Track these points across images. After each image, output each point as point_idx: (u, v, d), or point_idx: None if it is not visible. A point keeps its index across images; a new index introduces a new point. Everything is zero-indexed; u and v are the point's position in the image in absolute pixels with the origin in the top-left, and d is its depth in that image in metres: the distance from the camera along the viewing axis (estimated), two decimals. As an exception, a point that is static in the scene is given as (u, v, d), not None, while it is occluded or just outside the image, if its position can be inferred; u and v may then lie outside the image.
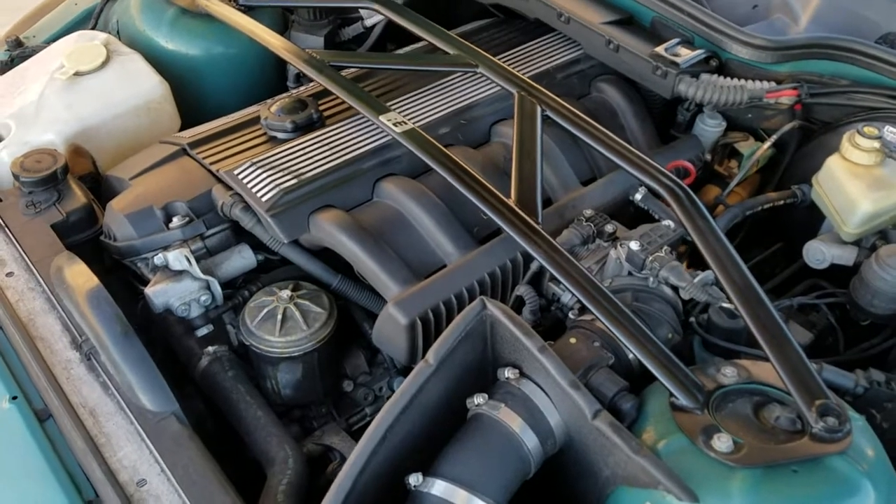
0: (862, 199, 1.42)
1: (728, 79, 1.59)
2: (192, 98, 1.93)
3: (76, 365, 1.32)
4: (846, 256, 1.46)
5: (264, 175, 1.47)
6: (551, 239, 1.30)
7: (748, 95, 1.56)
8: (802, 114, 1.64)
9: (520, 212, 1.34)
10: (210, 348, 1.42)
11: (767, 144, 1.59)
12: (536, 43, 1.82)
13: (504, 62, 1.69)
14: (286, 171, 1.48)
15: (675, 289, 1.33)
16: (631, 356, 1.24)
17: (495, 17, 2.00)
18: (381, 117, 1.50)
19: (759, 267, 1.65)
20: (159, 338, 1.49)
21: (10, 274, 1.47)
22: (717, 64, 1.67)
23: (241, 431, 1.36)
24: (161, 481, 1.17)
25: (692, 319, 1.36)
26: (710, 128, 1.66)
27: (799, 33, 1.71)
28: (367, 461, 1.12)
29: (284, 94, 1.68)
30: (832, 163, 1.48)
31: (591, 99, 1.74)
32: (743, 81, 1.58)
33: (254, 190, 1.44)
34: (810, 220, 1.59)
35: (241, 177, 1.47)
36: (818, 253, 1.47)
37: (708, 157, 1.68)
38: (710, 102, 1.58)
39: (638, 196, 1.47)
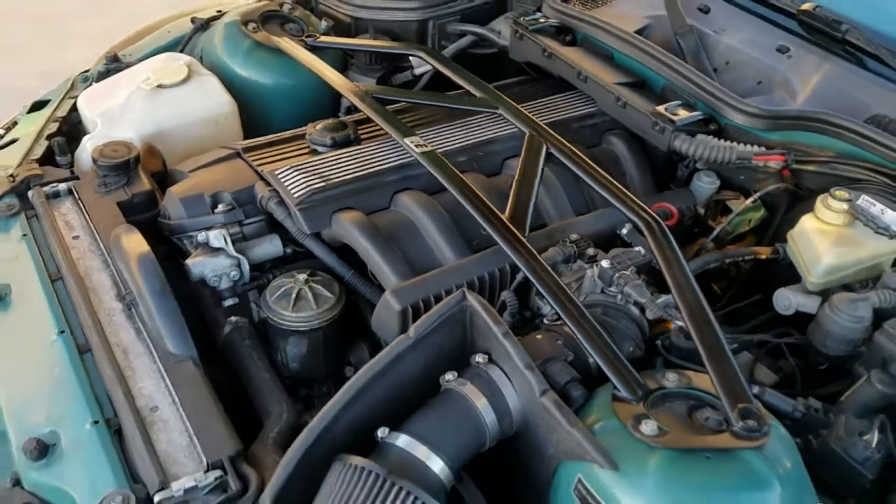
0: (826, 253, 1.56)
1: (720, 140, 1.77)
2: (257, 119, 2.19)
3: (118, 313, 1.55)
4: (810, 305, 1.59)
5: (299, 177, 1.71)
6: (533, 250, 1.48)
7: (736, 155, 1.73)
8: (791, 179, 1.79)
9: (510, 226, 1.53)
10: (233, 318, 1.63)
11: (750, 200, 1.75)
12: (558, 97, 2.04)
13: (526, 110, 1.91)
14: (318, 176, 1.71)
15: (643, 310, 1.49)
16: (591, 360, 1.39)
17: (531, 75, 2.24)
18: (405, 139, 1.73)
19: (741, 313, 1.78)
20: (192, 311, 1.71)
21: (76, 237, 1.72)
22: (716, 128, 1.85)
23: (249, 391, 1.55)
24: (171, 410, 1.37)
25: (657, 342, 1.51)
26: (704, 184, 1.83)
27: (794, 107, 1.87)
28: (342, 410, 1.29)
29: (332, 119, 1.93)
30: (805, 220, 1.63)
31: (600, 148, 1.94)
32: (733, 143, 1.76)
33: (288, 188, 1.68)
34: (791, 275, 1.72)
35: (280, 177, 1.71)
36: (785, 300, 1.60)
37: (701, 210, 1.84)
38: (701, 158, 1.75)
39: (624, 231, 1.64)
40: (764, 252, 1.76)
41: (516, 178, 1.65)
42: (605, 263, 1.49)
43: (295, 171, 1.73)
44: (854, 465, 1.30)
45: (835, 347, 1.49)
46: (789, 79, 1.91)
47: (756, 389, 1.40)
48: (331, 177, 1.71)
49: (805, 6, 1.96)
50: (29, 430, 1.35)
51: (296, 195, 1.66)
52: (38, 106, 2.27)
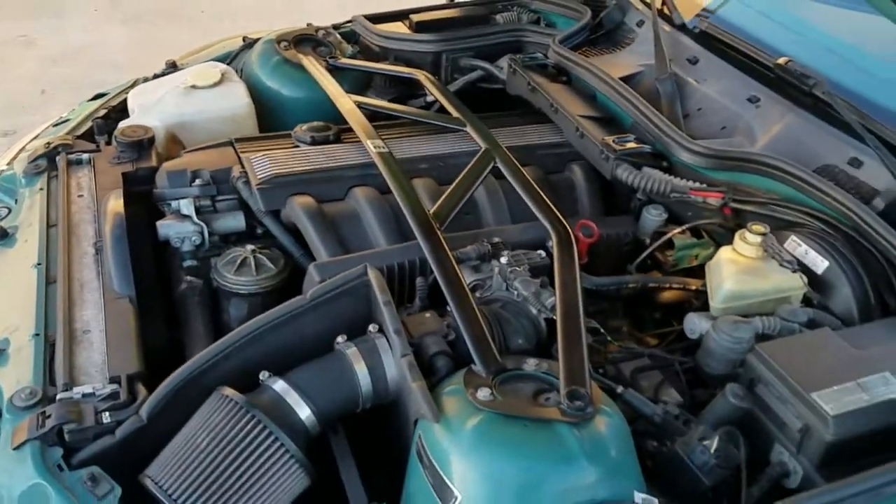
0: (728, 279, 1.61)
1: (661, 174, 1.85)
2: (277, 125, 2.42)
3: (88, 256, 1.79)
4: (712, 330, 1.63)
5: (269, 164, 1.92)
6: (443, 241, 1.62)
7: (671, 188, 1.81)
8: (733, 219, 1.84)
9: (431, 220, 1.67)
10: (189, 278, 1.84)
11: (678, 230, 1.82)
12: (532, 126, 2.19)
13: (498, 133, 2.07)
14: (286, 165, 1.92)
15: (539, 311, 1.59)
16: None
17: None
18: (368, 140, 1.91)
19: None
20: (163, 269, 1.94)
21: (80, 195, 1.99)
22: (667, 165, 1.93)
23: (185, 341, 1.74)
24: (99, 336, 1.58)
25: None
26: (651, 217, 1.90)
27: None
28: (231, 349, 1.46)
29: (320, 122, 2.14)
30: (722, 251, 1.69)
31: (559, 175, 2.06)
32: (672, 177, 1.84)
33: (256, 170, 1.89)
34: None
35: (253, 161, 1.93)
36: (691, 323, 1.65)
37: (647, 241, 1.91)
38: (640, 188, 1.84)
39: (549, 244, 1.75)
40: (694, 284, 1.82)
41: (456, 181, 1.80)
42: (503, 260, 1.60)
43: (268, 159, 1.94)
44: (694, 469, 1.34)
45: (716, 367, 1.53)
46: (752, 126, 1.98)
47: (619, 389, 1.47)
48: (296, 166, 1.91)
49: (780, 60, 2.02)
50: (-9, 335, 1.59)
51: (259, 176, 1.87)
52: (99, 96, 2.61)
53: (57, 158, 2.12)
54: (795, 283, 1.60)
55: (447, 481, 1.24)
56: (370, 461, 1.52)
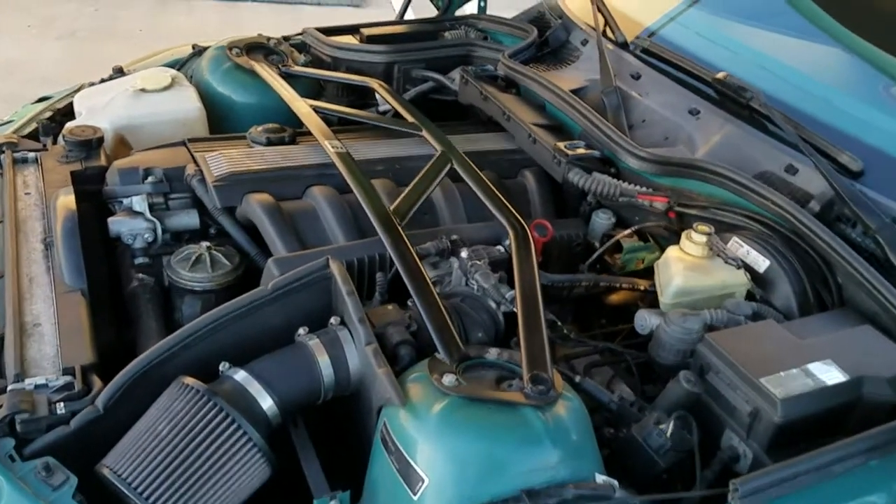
0: (677, 275, 1.68)
1: (610, 178, 1.92)
2: (227, 130, 2.42)
3: (37, 252, 1.75)
4: (662, 325, 1.69)
5: (225, 162, 1.92)
6: (404, 237, 1.64)
7: (620, 191, 1.88)
8: (677, 222, 1.92)
9: (391, 216, 1.70)
10: (140, 275, 1.82)
11: (626, 233, 1.89)
12: (487, 134, 2.24)
13: (452, 139, 2.10)
14: (242, 164, 1.92)
15: (499, 305, 1.62)
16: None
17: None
18: (326, 141, 1.93)
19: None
20: (114, 267, 1.90)
21: (27, 193, 1.94)
22: (615, 171, 2.00)
23: (135, 335, 1.72)
24: (50, 328, 1.54)
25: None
26: (600, 220, 1.97)
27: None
28: (190, 339, 1.45)
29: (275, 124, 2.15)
30: (670, 250, 1.76)
31: (513, 180, 2.11)
32: (620, 181, 1.91)
33: (212, 169, 1.89)
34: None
35: (209, 160, 1.92)
36: (642, 319, 1.70)
37: (596, 244, 1.97)
38: (590, 191, 1.90)
39: (506, 242, 1.79)
40: (643, 283, 1.88)
41: (414, 181, 1.83)
42: (463, 254, 1.63)
43: (224, 158, 1.94)
44: (649, 451, 1.38)
45: (667, 357, 1.59)
46: (693, 136, 2.07)
47: (578, 378, 1.51)
48: (252, 165, 1.91)
49: (719, 75, 2.13)
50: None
51: (215, 174, 1.86)
52: (43, 99, 2.56)
53: (2, 157, 2.07)
54: (740, 280, 1.68)
55: (414, 465, 1.26)
56: (334, 452, 1.52)
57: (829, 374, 1.41)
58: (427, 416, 1.28)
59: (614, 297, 1.98)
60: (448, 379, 1.32)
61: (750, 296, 1.70)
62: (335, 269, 1.52)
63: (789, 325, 1.59)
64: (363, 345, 1.40)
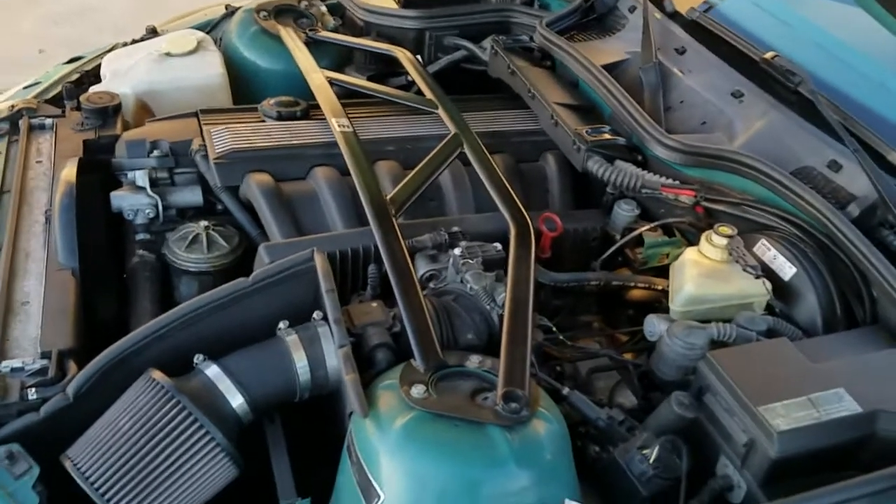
0: (689, 281, 1.55)
1: (633, 168, 1.79)
2: (251, 96, 2.37)
3: (37, 225, 1.74)
4: (672, 333, 1.57)
5: (230, 138, 1.86)
6: (397, 229, 1.56)
7: (642, 183, 1.74)
8: (705, 218, 1.78)
9: (388, 206, 1.62)
10: (141, 251, 1.79)
11: (647, 227, 1.75)
12: (510, 112, 2.12)
13: (473, 118, 2.00)
14: (246, 140, 1.86)
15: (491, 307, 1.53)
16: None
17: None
18: (333, 118, 1.85)
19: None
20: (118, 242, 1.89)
21: (39, 161, 1.94)
22: (642, 159, 1.86)
23: (130, 316, 1.70)
24: (38, 307, 1.53)
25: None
26: (623, 212, 1.84)
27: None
28: (164, 329, 1.41)
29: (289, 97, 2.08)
30: (688, 252, 1.63)
31: (532, 164, 1.99)
32: (644, 172, 1.77)
33: (215, 145, 1.84)
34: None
35: (213, 135, 1.87)
36: (651, 325, 1.59)
37: (617, 237, 1.85)
38: (610, 181, 1.78)
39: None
40: (661, 284, 1.76)
41: (419, 167, 1.74)
42: (456, 252, 1.55)
43: (230, 132, 1.88)
44: (632, 478, 1.29)
45: (667, 372, 1.48)
46: (733, 122, 1.91)
47: (565, 391, 1.42)
48: (257, 142, 1.86)
49: (767, 55, 1.95)
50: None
51: (217, 150, 1.81)
52: (75, 60, 2.55)
53: (19, 122, 2.06)
54: (759, 290, 1.54)
55: (372, 480, 1.20)
56: (316, 451, 1.48)
57: (839, 406, 1.28)
58: (389, 430, 1.21)
59: (636, 293, 1.86)
60: (417, 390, 1.25)
61: (770, 308, 1.56)
62: (319, 263, 1.46)
63: (806, 343, 1.45)
64: (335, 348, 1.34)
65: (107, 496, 1.24)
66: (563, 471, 1.24)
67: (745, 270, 1.54)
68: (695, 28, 2.21)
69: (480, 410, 1.23)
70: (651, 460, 1.27)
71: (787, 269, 1.59)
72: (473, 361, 1.35)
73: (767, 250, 1.63)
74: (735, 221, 1.71)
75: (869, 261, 1.51)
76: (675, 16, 2.29)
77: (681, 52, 2.15)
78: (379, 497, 1.19)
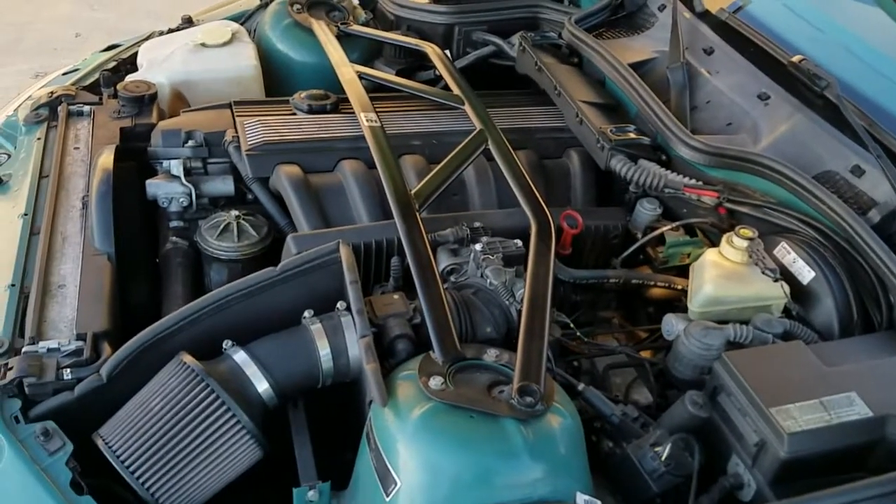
0: (708, 282, 1.58)
1: (657, 167, 1.81)
2: (284, 88, 2.41)
3: (75, 210, 1.80)
4: (690, 332, 1.60)
5: (262, 130, 1.91)
6: (420, 222, 1.59)
7: (664, 182, 1.76)
8: (728, 219, 1.80)
9: (412, 199, 1.65)
10: (175, 238, 1.85)
11: (669, 227, 1.77)
12: (536, 108, 2.14)
13: (499, 114, 2.03)
14: (278, 132, 1.91)
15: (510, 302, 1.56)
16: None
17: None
18: (362, 113, 1.89)
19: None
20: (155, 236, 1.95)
21: (77, 148, 2.00)
22: (666, 158, 1.88)
23: (161, 298, 1.76)
24: (74, 290, 1.59)
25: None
26: (645, 211, 1.86)
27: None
28: (196, 315, 1.46)
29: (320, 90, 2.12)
30: (708, 253, 1.65)
31: (556, 161, 2.02)
32: (667, 171, 1.79)
33: (248, 136, 1.88)
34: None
35: (246, 125, 1.92)
36: (669, 324, 1.62)
37: (639, 235, 1.87)
38: (632, 180, 1.80)
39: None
40: (681, 283, 1.78)
41: (444, 162, 1.77)
42: (477, 247, 1.58)
43: (262, 125, 1.93)
44: (643, 474, 1.32)
45: (683, 371, 1.51)
46: (758, 124, 1.91)
47: (581, 386, 1.45)
48: (288, 135, 1.90)
49: (794, 58, 1.95)
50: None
51: (249, 142, 1.86)
52: (112, 48, 2.62)
53: (58, 108, 2.13)
54: (777, 293, 1.56)
55: (390, 467, 1.24)
56: (337, 436, 1.53)
57: (850, 410, 1.30)
58: (407, 419, 1.25)
59: (656, 291, 1.89)
60: (435, 382, 1.29)
61: (787, 311, 1.58)
62: (344, 255, 1.50)
63: (821, 347, 1.47)
64: (357, 338, 1.39)
65: (136, 474, 1.30)
66: (575, 464, 1.28)
67: (763, 273, 1.55)
68: (724, 29, 2.21)
69: (496, 403, 1.26)
70: (663, 457, 1.30)
71: (805, 273, 1.60)
72: (491, 355, 1.39)
73: (787, 253, 1.64)
74: (756, 223, 1.73)
75: (888, 266, 1.52)
76: (704, 15, 2.30)
77: (709, 52, 2.16)
78: (396, 484, 1.23)
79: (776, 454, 1.27)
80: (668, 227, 1.81)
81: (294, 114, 2.03)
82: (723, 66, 2.10)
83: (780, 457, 1.26)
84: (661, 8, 2.41)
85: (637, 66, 2.15)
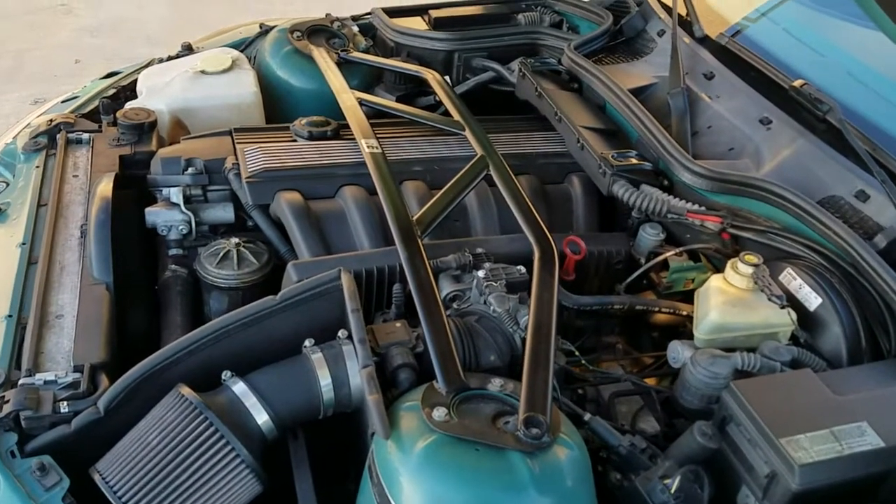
0: (713, 309, 1.56)
1: (659, 193, 1.79)
2: (284, 115, 2.42)
3: (73, 239, 1.78)
4: (696, 360, 1.57)
5: (262, 157, 1.90)
6: (422, 249, 1.58)
7: (668, 208, 1.75)
8: (732, 245, 1.78)
9: (414, 226, 1.64)
10: (174, 266, 1.83)
11: (672, 253, 1.76)
12: (538, 134, 2.13)
13: (500, 140, 2.02)
14: (278, 159, 1.90)
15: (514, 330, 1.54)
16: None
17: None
18: (363, 139, 1.88)
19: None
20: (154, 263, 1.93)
21: (76, 176, 1.99)
22: (668, 184, 1.87)
23: (160, 327, 1.74)
24: (71, 320, 1.57)
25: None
26: (648, 236, 1.85)
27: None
28: (195, 346, 1.44)
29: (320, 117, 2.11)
30: (713, 279, 1.63)
31: (557, 186, 2.01)
32: (670, 197, 1.78)
33: (248, 164, 1.87)
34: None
35: (246, 154, 1.91)
36: (675, 351, 1.60)
37: (642, 260, 1.85)
38: (635, 206, 1.78)
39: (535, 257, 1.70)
40: (686, 309, 1.76)
41: (445, 188, 1.76)
42: (480, 274, 1.56)
43: (262, 152, 1.92)
44: (652, 507, 1.30)
45: (691, 401, 1.48)
46: (760, 149, 1.91)
47: (587, 417, 1.42)
48: (288, 161, 1.89)
49: (796, 83, 1.95)
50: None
51: (249, 169, 1.85)
52: (112, 75, 2.61)
53: (57, 136, 2.12)
54: (784, 320, 1.54)
55: (392, 502, 1.22)
56: (338, 467, 1.50)
57: (862, 440, 1.28)
58: (410, 452, 1.23)
59: (661, 317, 1.87)
60: (439, 413, 1.26)
61: (794, 338, 1.56)
62: (345, 282, 1.48)
63: (830, 375, 1.45)
64: (358, 369, 1.36)
65: (134, 510, 1.27)
66: (583, 497, 1.25)
67: (770, 300, 1.54)
68: (723, 53, 2.21)
69: (502, 435, 1.24)
70: (672, 490, 1.28)
71: (812, 299, 1.58)
72: (495, 384, 1.36)
73: (793, 279, 1.63)
74: (761, 249, 1.71)
75: (895, 292, 1.51)
76: (704, 40, 2.30)
77: (709, 77, 2.16)
78: (400, 518, 1.20)
79: (787, 486, 1.24)
80: (672, 252, 1.79)
81: (294, 140, 2.02)
82: (723, 90, 2.10)
83: (792, 489, 1.23)
84: (661, 33, 2.41)
85: (637, 92, 2.15)
